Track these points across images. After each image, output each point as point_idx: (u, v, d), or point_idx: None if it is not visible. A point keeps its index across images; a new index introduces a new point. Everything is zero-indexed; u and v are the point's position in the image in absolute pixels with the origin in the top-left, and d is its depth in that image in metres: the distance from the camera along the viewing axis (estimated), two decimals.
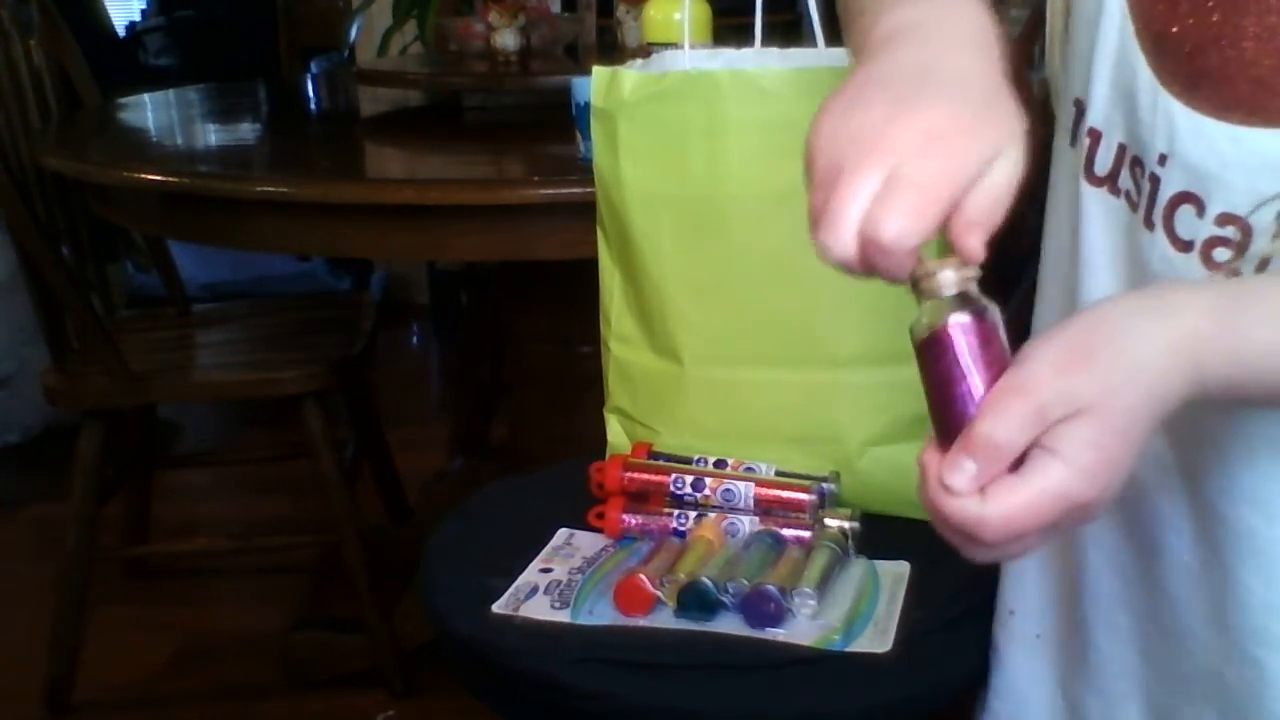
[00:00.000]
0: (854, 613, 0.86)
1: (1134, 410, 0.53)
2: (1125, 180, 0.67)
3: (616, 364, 1.05)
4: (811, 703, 0.80)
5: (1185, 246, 0.63)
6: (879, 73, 0.57)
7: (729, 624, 0.85)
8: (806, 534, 0.93)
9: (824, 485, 0.95)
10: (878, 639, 0.83)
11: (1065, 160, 0.73)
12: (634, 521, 0.97)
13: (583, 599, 0.88)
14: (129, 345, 1.88)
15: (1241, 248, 0.60)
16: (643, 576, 0.86)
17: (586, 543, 0.96)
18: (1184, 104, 0.62)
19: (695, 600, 0.85)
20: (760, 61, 1.04)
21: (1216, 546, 0.66)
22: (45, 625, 1.87)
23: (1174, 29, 0.63)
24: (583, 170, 1.25)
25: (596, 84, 0.97)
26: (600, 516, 0.97)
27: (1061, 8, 0.73)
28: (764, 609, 0.84)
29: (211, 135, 2.18)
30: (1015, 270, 0.82)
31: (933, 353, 0.54)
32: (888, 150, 0.53)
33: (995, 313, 0.55)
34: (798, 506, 0.94)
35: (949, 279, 0.53)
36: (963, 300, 0.54)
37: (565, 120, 1.47)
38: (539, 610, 0.87)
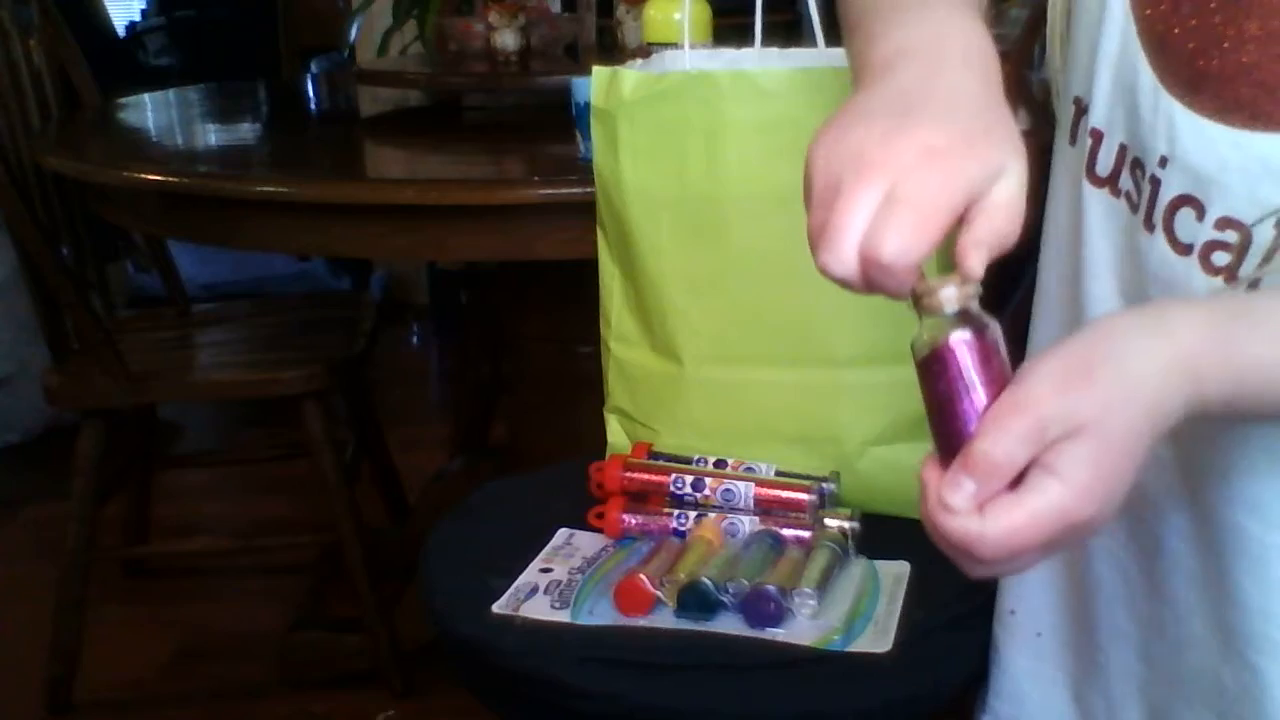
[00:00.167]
0: (854, 613, 0.86)
1: (1133, 428, 0.52)
2: (1126, 181, 0.67)
3: (616, 364, 1.05)
4: (811, 703, 0.80)
5: (1185, 249, 0.63)
6: (878, 96, 0.57)
7: (729, 624, 0.85)
8: (806, 534, 0.93)
9: (824, 485, 0.95)
10: (878, 639, 0.83)
11: (1066, 160, 0.73)
12: (634, 521, 0.97)
13: (583, 599, 0.88)
14: (129, 345, 1.88)
15: (1241, 252, 0.60)
16: (643, 576, 0.86)
17: (586, 543, 0.96)
18: (1185, 106, 0.62)
19: (695, 600, 0.85)
20: (760, 61, 1.04)
21: (1216, 551, 0.66)
22: (45, 625, 1.87)
23: (1176, 30, 0.63)
24: (582, 170, 1.25)
25: (596, 84, 0.97)
26: (600, 516, 0.97)
27: (1063, 8, 0.72)
28: (764, 609, 0.84)
29: (211, 135, 2.18)
30: (1015, 270, 0.82)
31: (934, 370, 0.54)
32: (886, 168, 0.53)
33: (996, 330, 0.54)
34: (798, 506, 0.94)
35: (950, 296, 0.53)
36: (964, 317, 0.54)
37: (565, 120, 1.47)
38: (539, 610, 0.87)
